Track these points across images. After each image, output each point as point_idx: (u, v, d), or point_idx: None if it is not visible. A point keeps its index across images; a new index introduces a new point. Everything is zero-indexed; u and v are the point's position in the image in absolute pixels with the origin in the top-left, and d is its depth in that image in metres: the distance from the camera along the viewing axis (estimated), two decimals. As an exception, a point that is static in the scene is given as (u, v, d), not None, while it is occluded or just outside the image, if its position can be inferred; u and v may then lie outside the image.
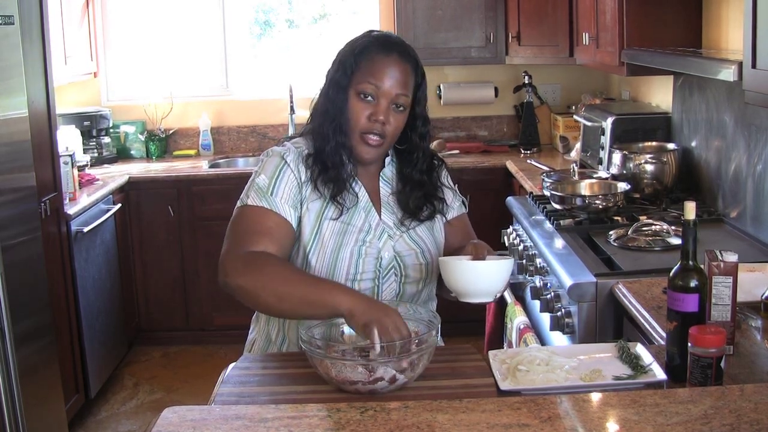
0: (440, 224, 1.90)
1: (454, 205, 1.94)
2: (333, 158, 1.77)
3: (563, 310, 2.39)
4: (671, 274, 1.52)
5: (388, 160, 1.89)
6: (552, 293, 2.52)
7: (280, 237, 1.73)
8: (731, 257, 1.60)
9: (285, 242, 1.74)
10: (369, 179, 1.86)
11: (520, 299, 2.80)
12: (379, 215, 1.83)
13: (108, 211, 3.99)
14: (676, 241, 2.51)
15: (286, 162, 1.78)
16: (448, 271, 1.68)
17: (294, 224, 1.76)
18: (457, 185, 2.00)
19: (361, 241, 1.79)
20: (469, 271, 1.66)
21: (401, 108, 1.77)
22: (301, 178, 1.78)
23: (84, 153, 4.44)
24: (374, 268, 1.79)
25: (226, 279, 1.67)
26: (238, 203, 1.79)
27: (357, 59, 1.75)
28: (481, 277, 1.66)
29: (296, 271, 1.71)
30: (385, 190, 1.87)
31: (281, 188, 1.75)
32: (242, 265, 1.65)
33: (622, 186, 3.02)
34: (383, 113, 1.74)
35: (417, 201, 1.85)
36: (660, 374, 1.51)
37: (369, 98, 1.74)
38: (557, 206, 2.99)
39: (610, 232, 2.66)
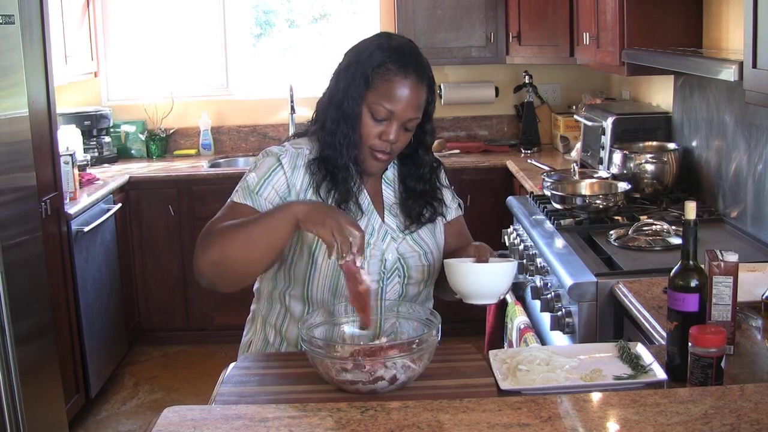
0: (441, 226, 1.91)
1: (452, 206, 1.95)
2: (343, 172, 1.77)
3: (563, 309, 2.39)
4: (672, 273, 1.52)
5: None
6: (552, 293, 2.52)
7: None
8: (732, 257, 1.60)
9: None
10: (371, 182, 1.86)
11: (521, 299, 2.80)
12: (382, 218, 1.84)
13: (108, 210, 3.98)
14: (676, 240, 2.51)
15: (280, 164, 1.78)
16: (454, 273, 1.70)
17: None
18: (455, 186, 2.02)
19: (365, 244, 1.78)
20: (475, 273, 1.68)
21: (411, 128, 1.78)
22: (296, 185, 1.77)
23: (84, 152, 4.45)
24: (379, 270, 1.79)
25: (198, 267, 1.65)
26: (228, 199, 1.80)
27: (374, 75, 1.73)
28: (486, 279, 1.68)
29: (245, 219, 1.69)
30: (388, 192, 1.88)
31: (268, 188, 1.76)
32: (203, 245, 1.65)
33: (623, 186, 3.02)
34: (394, 134, 1.74)
35: (420, 208, 1.86)
36: (660, 374, 1.51)
37: (381, 119, 1.74)
38: (557, 206, 2.99)
39: (611, 232, 2.66)
